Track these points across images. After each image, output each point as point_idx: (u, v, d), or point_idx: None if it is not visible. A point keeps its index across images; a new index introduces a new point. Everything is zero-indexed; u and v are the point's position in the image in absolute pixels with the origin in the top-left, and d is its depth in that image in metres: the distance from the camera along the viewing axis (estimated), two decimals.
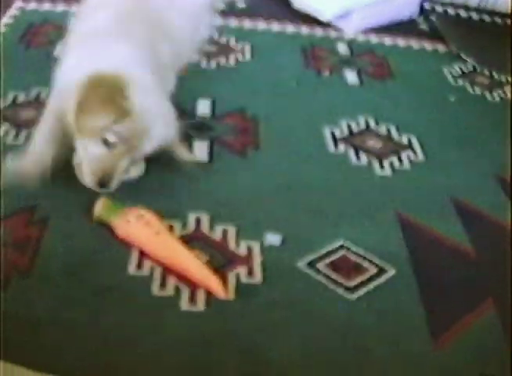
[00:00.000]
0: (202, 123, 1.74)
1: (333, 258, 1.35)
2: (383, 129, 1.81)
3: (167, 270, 1.27)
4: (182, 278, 1.25)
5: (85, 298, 1.20)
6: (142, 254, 1.29)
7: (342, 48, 2.26)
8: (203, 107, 1.80)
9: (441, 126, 1.87)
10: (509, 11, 2.56)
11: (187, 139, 1.59)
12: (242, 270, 1.29)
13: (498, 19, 2.59)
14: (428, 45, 2.35)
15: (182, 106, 1.77)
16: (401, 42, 2.35)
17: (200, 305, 1.21)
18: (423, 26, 2.51)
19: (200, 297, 1.22)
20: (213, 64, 2.04)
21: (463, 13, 2.63)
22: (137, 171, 1.49)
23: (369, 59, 2.21)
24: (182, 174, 1.52)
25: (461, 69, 2.20)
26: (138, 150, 1.38)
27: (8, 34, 2.07)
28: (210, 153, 1.62)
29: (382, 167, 1.65)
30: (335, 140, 1.73)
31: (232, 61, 2.08)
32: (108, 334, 1.14)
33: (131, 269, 1.27)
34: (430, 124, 1.87)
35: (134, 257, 1.29)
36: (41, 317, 1.15)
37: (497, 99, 2.05)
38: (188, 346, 1.14)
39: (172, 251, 1.29)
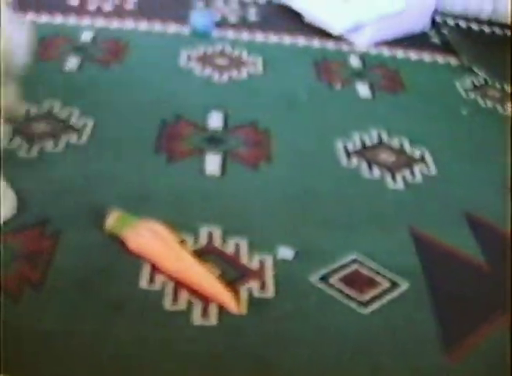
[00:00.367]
0: (214, 136, 1.74)
1: (346, 272, 1.35)
2: (395, 142, 1.80)
3: (179, 284, 1.26)
4: (194, 292, 1.25)
5: (97, 312, 1.20)
6: (154, 268, 1.29)
7: (354, 62, 2.26)
8: (216, 120, 1.81)
9: (454, 139, 1.87)
10: None
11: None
12: (254, 284, 1.29)
13: (509, 33, 2.58)
14: (440, 58, 2.35)
15: (194, 119, 1.78)
16: (413, 55, 2.35)
17: (213, 319, 1.20)
18: (435, 39, 2.51)
19: (213, 311, 1.22)
20: (225, 77, 2.05)
21: (474, 26, 2.63)
22: (7, 210, 1.39)
23: (381, 73, 2.21)
24: (194, 187, 1.52)
25: (473, 82, 2.20)
26: None
27: None
28: (223, 166, 1.62)
29: (395, 180, 1.64)
30: (348, 153, 1.73)
31: (244, 74, 2.08)
32: (119, 347, 1.14)
33: (143, 283, 1.26)
34: (443, 137, 1.87)
35: (146, 271, 1.29)
36: (53, 330, 1.15)
37: (508, 111, 2.04)
38: (200, 360, 1.13)
39: (184, 265, 1.29)
